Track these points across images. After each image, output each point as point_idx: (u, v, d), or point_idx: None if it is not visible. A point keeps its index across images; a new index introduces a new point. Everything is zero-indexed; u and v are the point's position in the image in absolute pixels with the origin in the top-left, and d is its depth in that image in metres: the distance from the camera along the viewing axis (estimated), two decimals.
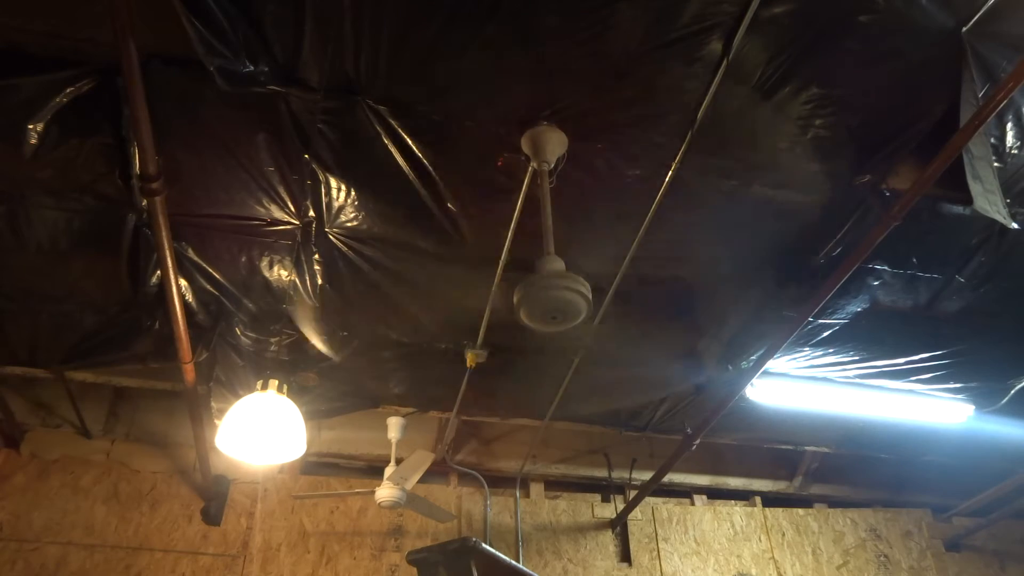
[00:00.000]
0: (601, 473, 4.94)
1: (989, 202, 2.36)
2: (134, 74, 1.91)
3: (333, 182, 2.62)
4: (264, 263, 2.97)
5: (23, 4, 2.05)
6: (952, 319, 3.35)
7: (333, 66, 2.19)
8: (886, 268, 3.07)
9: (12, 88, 2.19)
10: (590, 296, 2.27)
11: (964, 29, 2.18)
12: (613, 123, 2.39)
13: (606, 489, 4.95)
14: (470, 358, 3.45)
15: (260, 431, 3.34)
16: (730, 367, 3.72)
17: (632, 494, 4.76)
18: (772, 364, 3.46)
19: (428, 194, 2.62)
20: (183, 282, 2.99)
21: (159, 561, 3.98)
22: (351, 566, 4.22)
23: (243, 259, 2.95)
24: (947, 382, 3.76)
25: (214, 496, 4.18)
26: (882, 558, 5.04)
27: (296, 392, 3.62)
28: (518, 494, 4.73)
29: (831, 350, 3.54)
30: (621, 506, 4.77)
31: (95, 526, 3.99)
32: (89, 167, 2.48)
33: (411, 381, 3.84)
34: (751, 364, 3.51)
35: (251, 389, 3.49)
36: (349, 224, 2.79)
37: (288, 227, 2.81)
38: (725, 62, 2.16)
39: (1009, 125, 2.51)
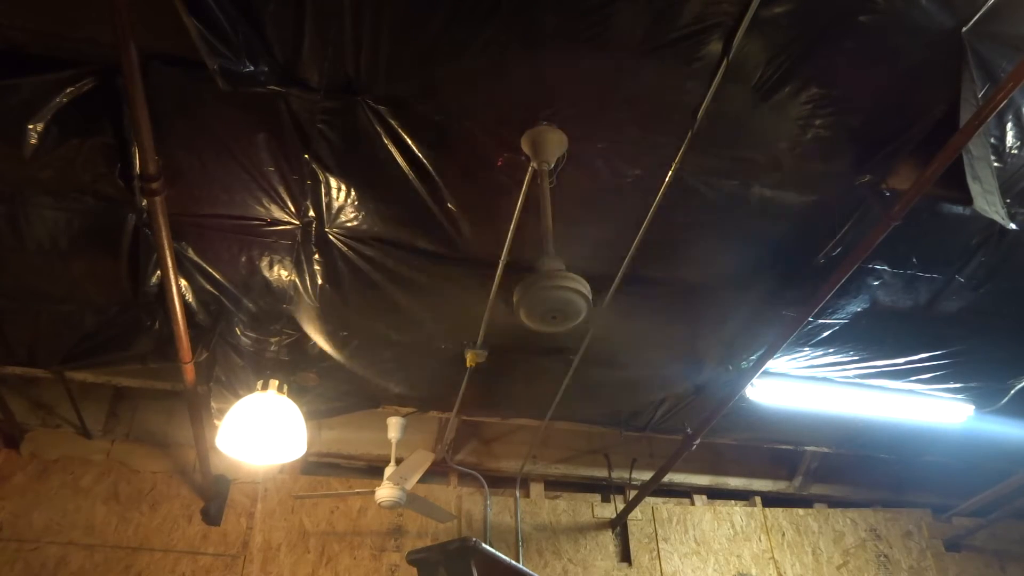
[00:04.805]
0: (601, 473, 4.94)
1: (988, 202, 2.36)
2: (134, 74, 1.91)
3: (333, 182, 2.62)
4: (264, 263, 2.97)
5: (23, 4, 2.05)
6: (952, 319, 3.35)
7: (333, 66, 2.19)
8: (886, 268, 3.07)
9: (12, 88, 2.19)
10: (590, 296, 2.27)
11: (964, 29, 2.18)
12: (613, 123, 2.39)
13: (606, 489, 4.95)
14: (470, 358, 3.45)
15: (260, 431, 3.34)
16: (730, 367, 3.72)
17: (632, 494, 4.76)
18: (772, 364, 3.46)
19: (428, 194, 2.62)
20: (183, 282, 2.99)
21: (159, 561, 3.98)
22: (351, 566, 4.22)
23: (243, 259, 2.95)
24: (947, 382, 3.76)
25: (214, 496, 4.18)
26: (882, 558, 5.04)
27: (296, 392, 3.62)
28: (518, 494, 4.73)
29: (831, 350, 3.54)
30: (621, 506, 4.77)
31: (95, 526, 3.99)
32: (89, 167, 2.48)
33: (411, 381, 3.84)
34: (751, 364, 3.50)
35: (251, 389, 3.49)
36: (349, 224, 2.79)
37: (288, 227, 2.81)
38: (725, 62, 2.16)
39: (1009, 125, 2.51)
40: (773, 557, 4.86)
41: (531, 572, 3.30)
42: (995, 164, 2.52)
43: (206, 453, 3.85)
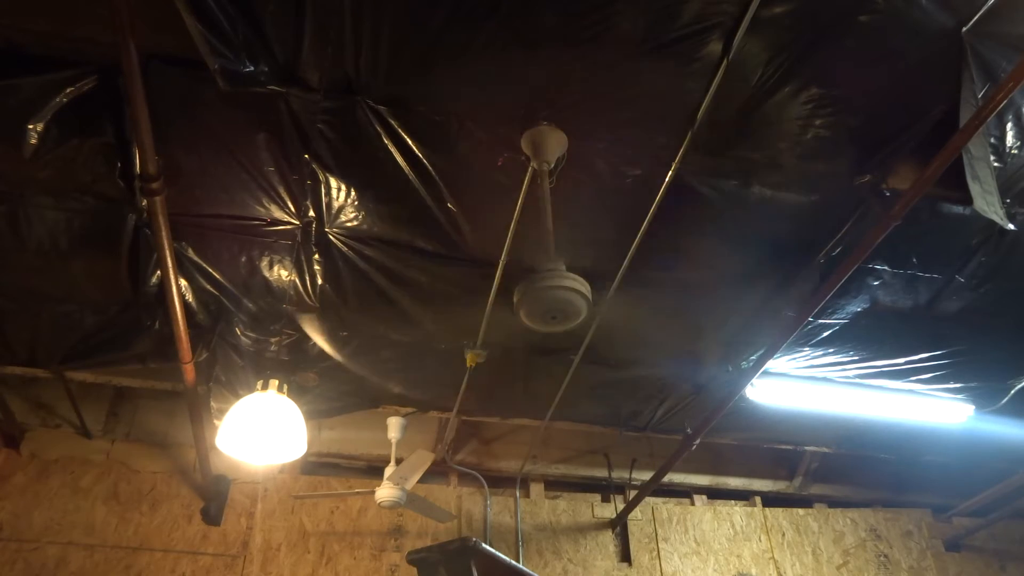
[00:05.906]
0: (601, 473, 4.94)
1: (987, 203, 2.36)
2: (134, 74, 1.92)
3: (333, 182, 2.62)
4: (264, 263, 2.97)
5: (23, 4, 2.05)
6: (952, 319, 3.35)
7: (333, 66, 2.19)
8: (886, 268, 3.07)
9: (12, 88, 2.19)
10: (590, 296, 2.28)
11: (964, 29, 2.18)
12: (613, 123, 2.39)
13: (606, 489, 4.95)
14: (470, 358, 3.45)
15: (260, 431, 3.34)
16: (730, 367, 3.72)
17: (632, 494, 4.76)
18: (772, 364, 3.46)
19: (428, 194, 2.62)
20: (183, 282, 2.99)
21: (159, 561, 3.98)
22: (351, 566, 4.22)
23: (243, 259, 2.95)
24: (947, 382, 3.76)
25: (214, 496, 4.18)
26: (882, 558, 5.04)
27: (296, 392, 3.62)
28: (518, 494, 4.73)
29: (831, 350, 3.54)
30: (621, 506, 4.77)
31: (95, 526, 3.99)
32: (89, 167, 2.48)
33: (411, 381, 3.84)
34: (751, 364, 3.51)
35: (251, 389, 3.48)
36: (349, 224, 2.79)
37: (288, 227, 2.81)
38: (725, 62, 2.16)
39: (1009, 125, 2.51)
40: (773, 557, 4.86)
41: (531, 572, 3.30)
42: (995, 164, 2.52)
43: (206, 453, 3.85)
